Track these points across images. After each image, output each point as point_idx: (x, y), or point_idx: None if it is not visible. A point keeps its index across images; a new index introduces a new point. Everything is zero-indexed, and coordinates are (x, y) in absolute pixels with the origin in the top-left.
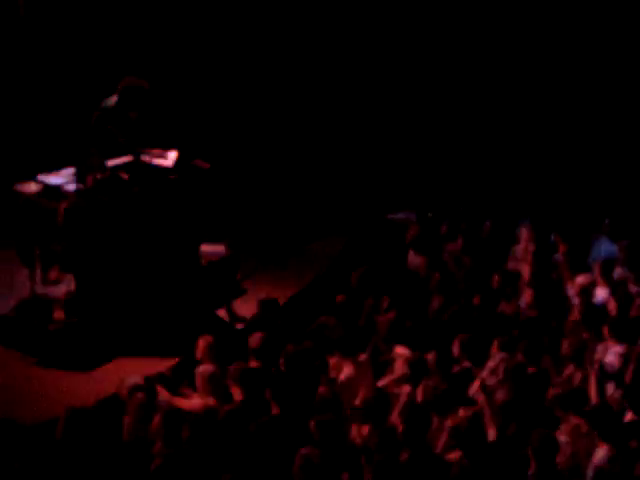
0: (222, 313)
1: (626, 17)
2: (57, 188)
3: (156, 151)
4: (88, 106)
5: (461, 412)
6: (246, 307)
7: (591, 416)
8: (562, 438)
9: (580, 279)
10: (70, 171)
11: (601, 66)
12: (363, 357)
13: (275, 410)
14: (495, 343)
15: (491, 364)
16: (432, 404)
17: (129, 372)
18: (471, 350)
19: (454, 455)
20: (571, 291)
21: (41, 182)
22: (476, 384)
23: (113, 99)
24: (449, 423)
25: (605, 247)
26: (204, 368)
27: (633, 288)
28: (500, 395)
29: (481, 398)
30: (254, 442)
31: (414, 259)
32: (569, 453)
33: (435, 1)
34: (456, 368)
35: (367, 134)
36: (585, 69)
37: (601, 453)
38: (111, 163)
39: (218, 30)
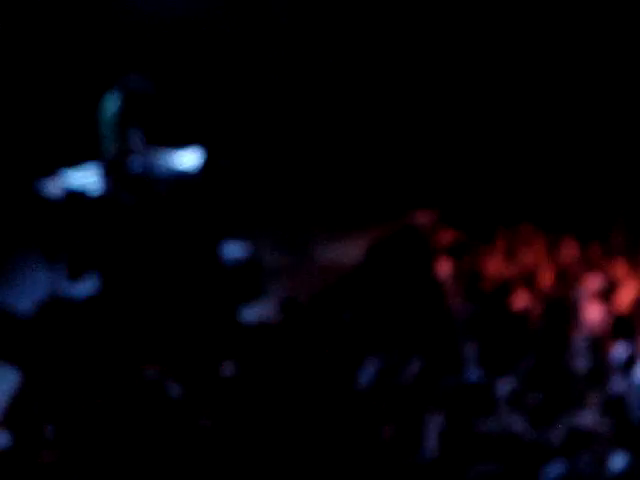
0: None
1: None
2: (81, 187)
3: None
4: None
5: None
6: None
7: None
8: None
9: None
10: (94, 168)
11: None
12: None
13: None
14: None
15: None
16: None
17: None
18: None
19: None
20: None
21: (65, 181)
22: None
23: (115, 104)
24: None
25: None
26: None
27: None
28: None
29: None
30: None
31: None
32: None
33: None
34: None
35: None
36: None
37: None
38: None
39: (240, 27)
